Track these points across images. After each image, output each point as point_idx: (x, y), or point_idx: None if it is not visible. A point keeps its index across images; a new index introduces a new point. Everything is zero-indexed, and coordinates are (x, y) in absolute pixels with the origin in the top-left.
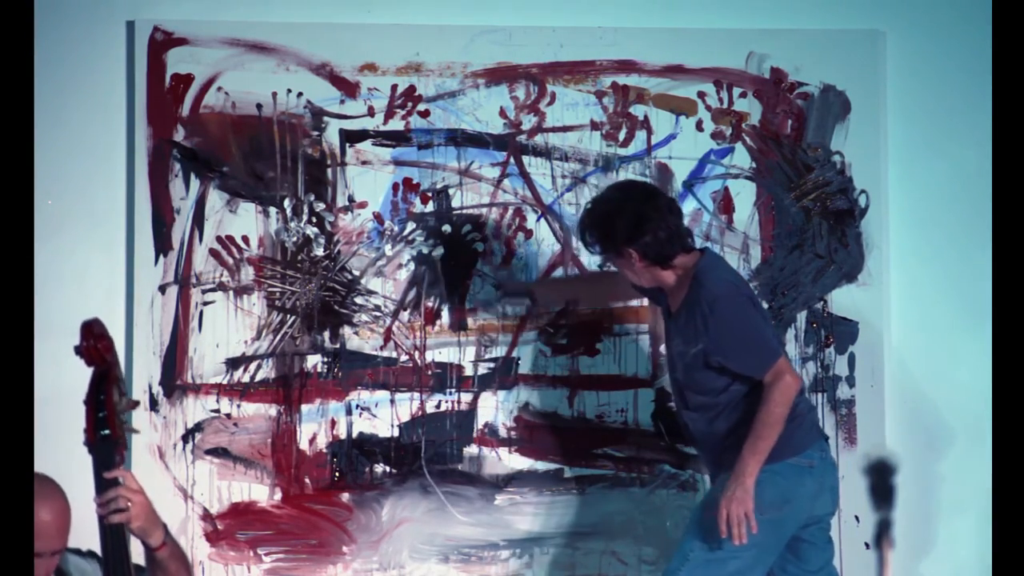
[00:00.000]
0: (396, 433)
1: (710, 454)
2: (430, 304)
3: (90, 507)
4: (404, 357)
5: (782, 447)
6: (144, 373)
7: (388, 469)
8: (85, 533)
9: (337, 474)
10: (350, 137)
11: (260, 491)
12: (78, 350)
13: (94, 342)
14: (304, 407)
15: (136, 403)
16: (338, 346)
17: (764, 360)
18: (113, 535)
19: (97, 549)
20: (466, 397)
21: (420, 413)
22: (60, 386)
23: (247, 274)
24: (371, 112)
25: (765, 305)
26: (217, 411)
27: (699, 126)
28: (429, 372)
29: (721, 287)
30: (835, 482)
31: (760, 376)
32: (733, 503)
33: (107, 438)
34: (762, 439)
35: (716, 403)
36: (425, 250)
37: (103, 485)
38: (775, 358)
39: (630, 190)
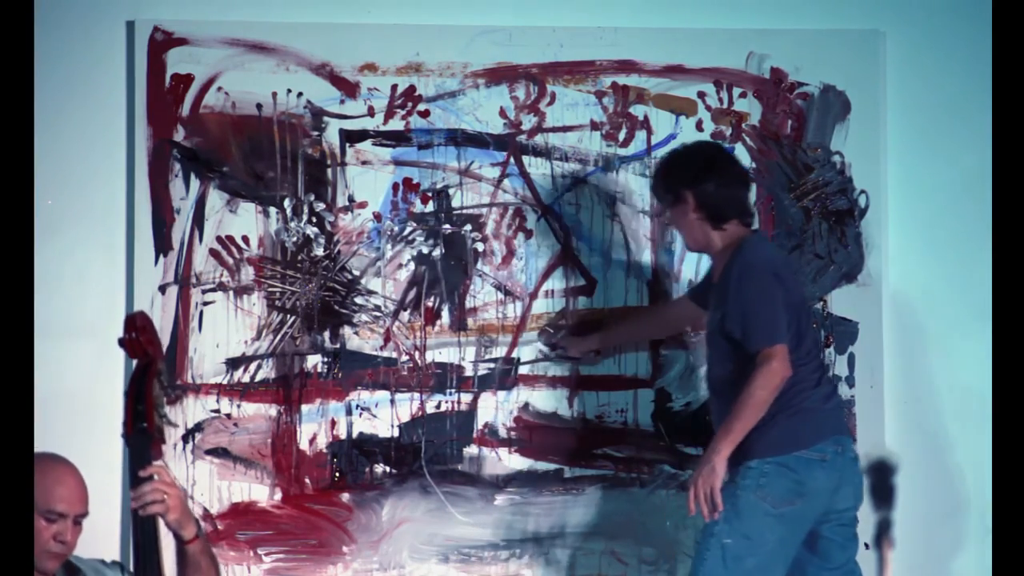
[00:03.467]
0: (396, 433)
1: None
2: (430, 304)
3: (110, 514)
4: (404, 357)
5: (789, 439)
6: None
7: (388, 469)
8: (110, 542)
9: (337, 474)
10: (350, 137)
11: (260, 491)
12: (121, 342)
13: (137, 335)
14: (304, 407)
15: (179, 398)
16: (338, 346)
17: (761, 336)
18: (146, 529)
19: (119, 558)
20: (466, 397)
21: (420, 413)
22: (60, 386)
23: (247, 274)
24: (371, 112)
25: None
26: (217, 411)
27: (699, 126)
28: (429, 372)
29: (758, 257)
30: (857, 477)
31: (752, 349)
32: (699, 480)
33: (144, 431)
34: (738, 420)
35: (732, 379)
36: (425, 250)
37: (139, 478)
38: (772, 341)
39: (709, 145)
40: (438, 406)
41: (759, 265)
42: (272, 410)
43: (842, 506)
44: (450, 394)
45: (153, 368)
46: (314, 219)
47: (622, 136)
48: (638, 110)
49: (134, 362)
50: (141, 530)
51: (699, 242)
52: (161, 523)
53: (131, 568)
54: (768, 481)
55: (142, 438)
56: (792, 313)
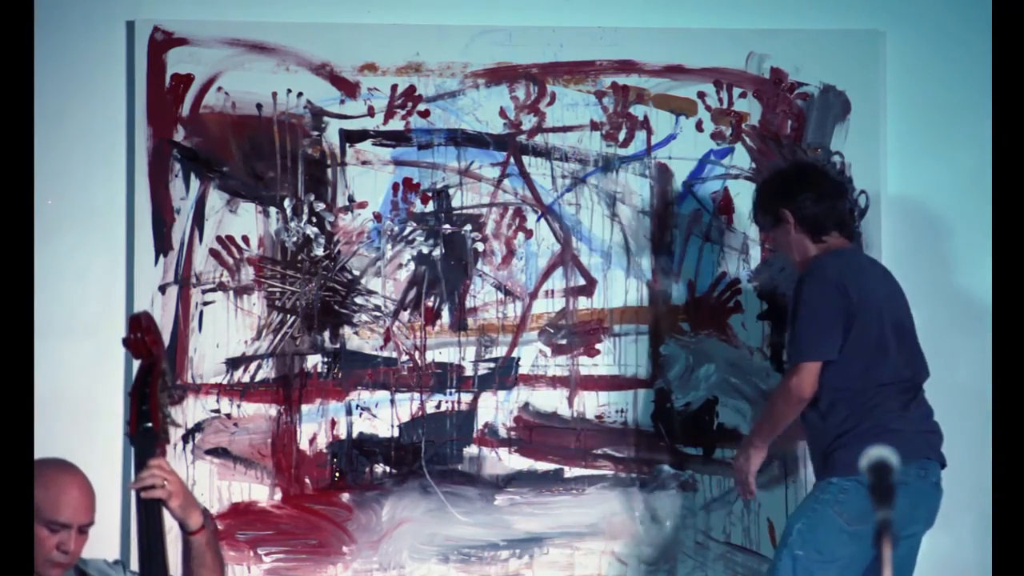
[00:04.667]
0: (396, 433)
1: (814, 449)
2: (430, 304)
3: (111, 514)
4: (404, 357)
5: None
6: None
7: (388, 469)
8: (110, 542)
9: (337, 474)
10: (350, 137)
11: (260, 491)
12: (126, 342)
13: (141, 335)
14: (304, 407)
15: (182, 398)
16: (338, 346)
17: (796, 349)
18: (150, 521)
19: (120, 557)
20: (466, 397)
21: (420, 413)
22: (60, 386)
23: (247, 274)
24: (371, 112)
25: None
26: (217, 411)
27: (699, 126)
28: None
29: (822, 268)
30: (934, 502)
31: (788, 359)
32: (734, 470)
33: (149, 431)
34: (763, 420)
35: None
36: (425, 250)
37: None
38: (805, 356)
39: (803, 164)
40: (438, 406)
41: (818, 276)
42: (272, 410)
43: (912, 530)
44: (450, 394)
45: (157, 368)
46: (314, 219)
47: (622, 136)
48: (638, 110)
49: (135, 362)
50: (145, 521)
51: (805, 258)
52: (166, 516)
53: (134, 564)
54: (847, 498)
55: (146, 438)
56: (867, 329)
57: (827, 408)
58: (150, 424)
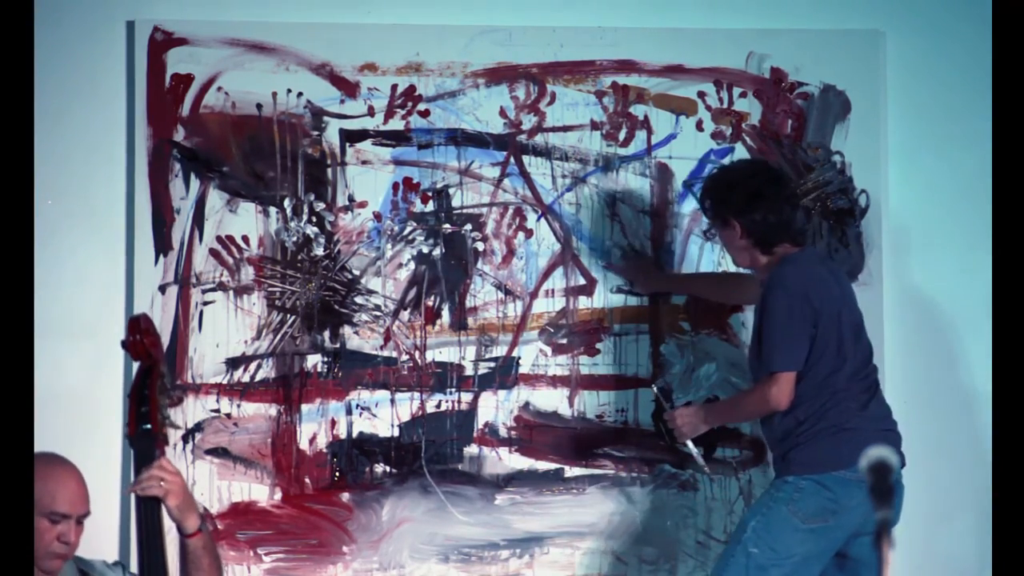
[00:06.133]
0: (396, 433)
1: (772, 449)
2: (430, 303)
3: (110, 514)
4: (404, 357)
5: (828, 458)
6: None
7: (388, 469)
8: (110, 542)
9: (337, 474)
10: (350, 137)
11: (260, 491)
12: (124, 344)
13: (140, 337)
14: (304, 407)
15: (181, 400)
16: (338, 346)
17: (768, 360)
18: (149, 522)
19: (119, 557)
20: (466, 397)
21: (420, 413)
22: (60, 386)
23: (247, 274)
24: (371, 112)
25: None
26: (217, 411)
27: (699, 126)
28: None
29: (784, 279)
30: (897, 500)
31: (756, 370)
32: (676, 419)
33: (148, 432)
34: (722, 409)
35: None
36: (425, 250)
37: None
38: (777, 367)
39: (758, 168)
40: (438, 406)
41: (784, 286)
42: (272, 410)
43: (874, 527)
44: (450, 393)
45: (156, 370)
46: (314, 219)
47: (622, 136)
48: (638, 110)
49: (135, 363)
50: (144, 522)
51: (747, 262)
52: (166, 518)
53: (133, 565)
54: (802, 497)
55: (145, 439)
56: (828, 334)
57: (787, 409)
58: (149, 426)
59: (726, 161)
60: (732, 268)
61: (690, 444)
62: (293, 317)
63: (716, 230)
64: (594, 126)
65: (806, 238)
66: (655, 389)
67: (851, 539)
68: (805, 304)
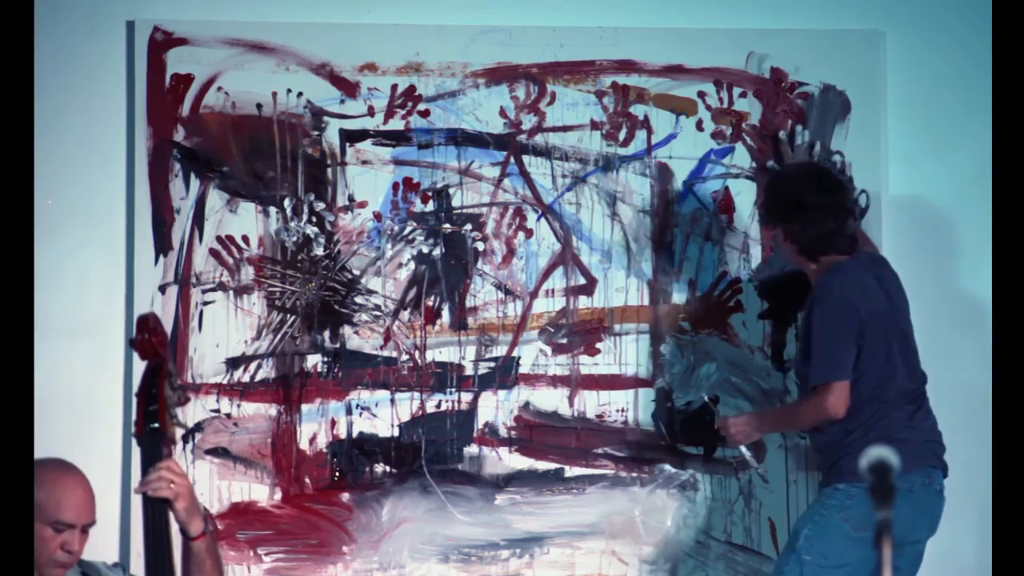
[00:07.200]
0: (396, 433)
1: (822, 458)
2: (430, 303)
3: (110, 515)
4: (404, 357)
5: None
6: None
7: (388, 469)
8: (110, 542)
9: (337, 474)
10: (350, 137)
11: (260, 491)
12: (132, 343)
13: (148, 336)
14: (304, 407)
15: (188, 399)
16: (338, 346)
17: (818, 372)
18: (156, 523)
19: (119, 559)
20: (466, 397)
21: (420, 413)
22: (60, 386)
23: (247, 274)
24: (371, 112)
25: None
26: (217, 411)
27: (699, 126)
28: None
29: (829, 289)
30: (937, 509)
31: (812, 383)
32: (729, 428)
33: (156, 431)
34: (777, 418)
35: None
36: (425, 249)
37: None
38: (829, 378)
39: (806, 175)
40: (438, 405)
41: (826, 297)
42: (272, 410)
43: (916, 536)
44: (450, 393)
45: (163, 369)
46: (314, 219)
47: (622, 136)
48: (638, 110)
49: (135, 362)
50: (152, 523)
51: (795, 263)
52: (171, 518)
53: (136, 567)
54: (853, 504)
55: (154, 439)
56: (876, 345)
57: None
58: (157, 424)
59: (727, 161)
60: (731, 269)
61: (742, 447)
62: (293, 317)
63: (768, 228)
64: (594, 126)
65: (856, 246)
66: (706, 398)
67: (894, 548)
68: (851, 314)
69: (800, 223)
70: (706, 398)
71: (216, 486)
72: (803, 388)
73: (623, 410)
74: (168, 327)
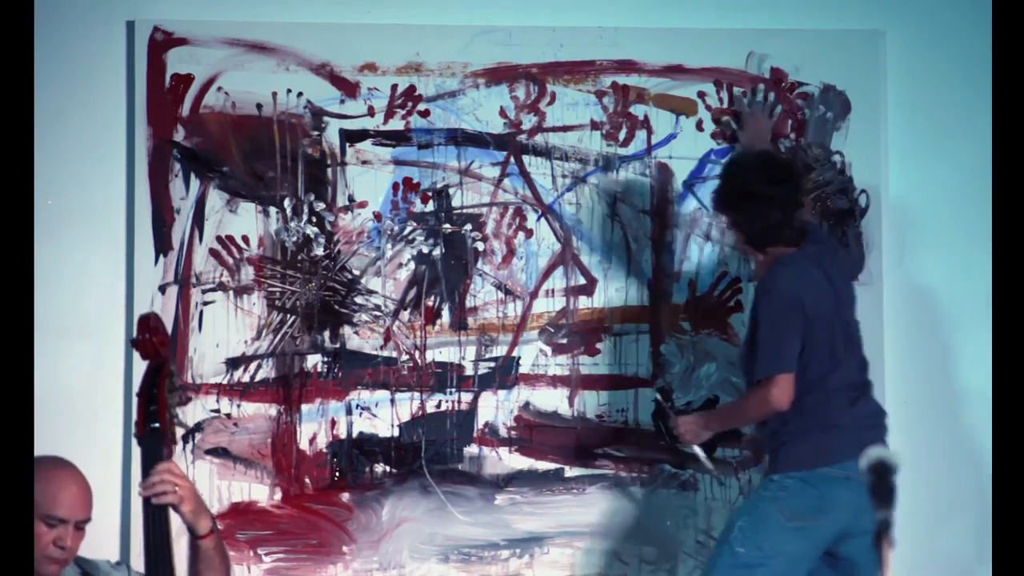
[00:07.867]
0: (396, 433)
1: (766, 447)
2: (430, 303)
3: (111, 515)
4: (404, 357)
5: (814, 455)
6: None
7: (388, 469)
8: (110, 542)
9: (337, 474)
10: (350, 137)
11: (260, 491)
12: (134, 343)
13: (150, 336)
14: (304, 407)
15: (189, 399)
16: (338, 346)
17: (763, 365)
18: (157, 524)
19: (119, 558)
20: (466, 397)
21: (420, 413)
22: (60, 386)
23: (247, 274)
24: (371, 112)
25: None
26: (217, 411)
27: (699, 126)
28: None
29: (775, 282)
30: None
31: (756, 375)
32: (679, 427)
33: (156, 431)
34: (724, 414)
35: None
36: (425, 249)
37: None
38: (773, 370)
39: (759, 164)
40: (438, 405)
41: (772, 290)
42: (272, 410)
43: (867, 527)
44: (450, 393)
45: (165, 369)
46: (314, 219)
47: (622, 136)
48: (638, 110)
49: (136, 362)
50: (152, 524)
51: (741, 250)
52: (173, 518)
53: (139, 565)
54: (787, 495)
55: (154, 438)
56: (820, 338)
57: None
58: (157, 424)
59: (726, 160)
60: (731, 269)
61: (695, 447)
62: (293, 317)
63: (717, 212)
64: (594, 126)
65: (804, 238)
66: (655, 391)
67: (841, 539)
68: (796, 307)
69: (744, 213)
70: (658, 395)
71: (216, 486)
72: (748, 381)
73: (623, 410)
74: (168, 327)
